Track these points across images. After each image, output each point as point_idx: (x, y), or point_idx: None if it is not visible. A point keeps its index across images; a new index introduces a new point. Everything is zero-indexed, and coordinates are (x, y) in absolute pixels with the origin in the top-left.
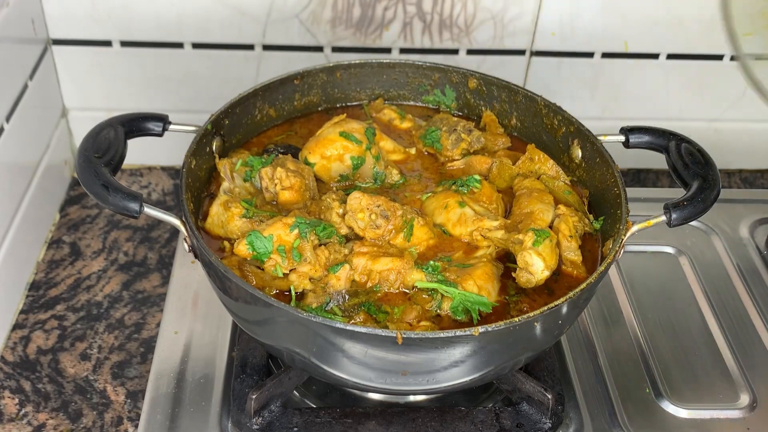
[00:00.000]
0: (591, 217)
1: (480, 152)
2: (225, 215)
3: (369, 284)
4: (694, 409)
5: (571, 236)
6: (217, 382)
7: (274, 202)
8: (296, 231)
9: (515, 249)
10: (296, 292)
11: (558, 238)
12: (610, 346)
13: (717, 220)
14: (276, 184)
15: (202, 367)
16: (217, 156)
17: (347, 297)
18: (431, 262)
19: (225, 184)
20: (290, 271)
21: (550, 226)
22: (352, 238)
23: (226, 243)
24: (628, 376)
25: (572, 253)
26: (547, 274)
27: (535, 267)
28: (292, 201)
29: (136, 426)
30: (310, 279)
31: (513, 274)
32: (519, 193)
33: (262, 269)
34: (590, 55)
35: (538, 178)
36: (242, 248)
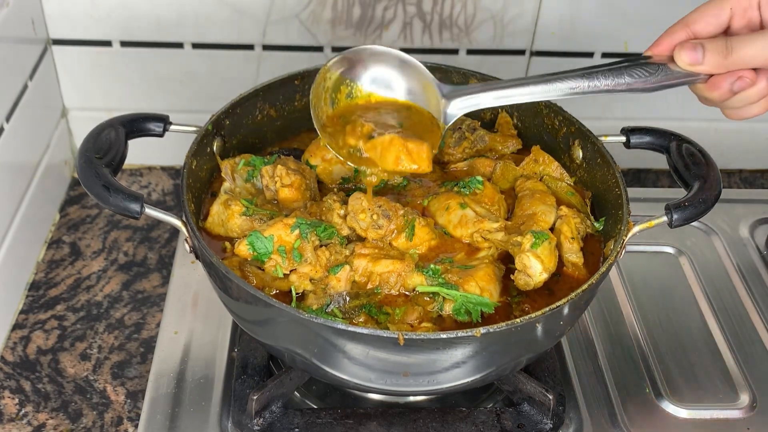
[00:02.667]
0: (592, 218)
1: (486, 153)
2: (225, 213)
3: (369, 286)
4: (694, 409)
5: (572, 238)
6: (217, 383)
7: (275, 201)
8: (297, 231)
9: (514, 251)
10: (297, 293)
11: (559, 240)
12: (610, 346)
13: (717, 220)
14: (276, 182)
15: (202, 368)
16: (218, 156)
17: (348, 299)
18: (432, 266)
19: (226, 184)
20: (291, 271)
21: (552, 228)
22: (354, 239)
23: (227, 244)
24: (628, 376)
25: (573, 254)
26: (545, 276)
27: (533, 270)
28: (291, 199)
29: (136, 426)
30: (310, 280)
31: (512, 276)
32: (521, 195)
33: (263, 270)
34: (590, 55)
35: (540, 179)
36: (243, 248)
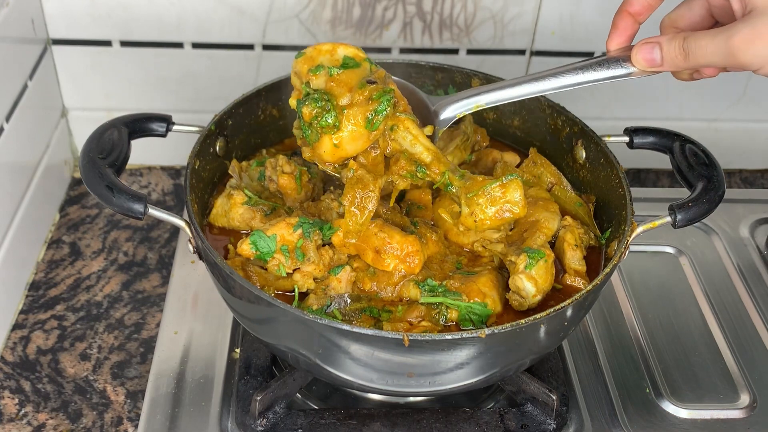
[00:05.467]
0: (598, 232)
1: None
2: (228, 204)
3: (367, 288)
4: (694, 409)
5: (576, 245)
6: (217, 383)
7: (279, 194)
8: (300, 231)
9: (510, 268)
10: (300, 292)
11: (563, 248)
12: (610, 346)
13: (717, 220)
14: (277, 170)
15: (202, 368)
16: (221, 156)
17: (349, 301)
18: (429, 281)
19: (232, 181)
20: (294, 270)
21: (556, 235)
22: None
23: (231, 246)
24: (628, 376)
25: (577, 262)
26: (539, 298)
27: (526, 291)
28: (290, 186)
29: (136, 426)
30: (314, 279)
31: (507, 296)
32: None
33: (265, 269)
34: (590, 54)
35: (549, 190)
36: (245, 248)
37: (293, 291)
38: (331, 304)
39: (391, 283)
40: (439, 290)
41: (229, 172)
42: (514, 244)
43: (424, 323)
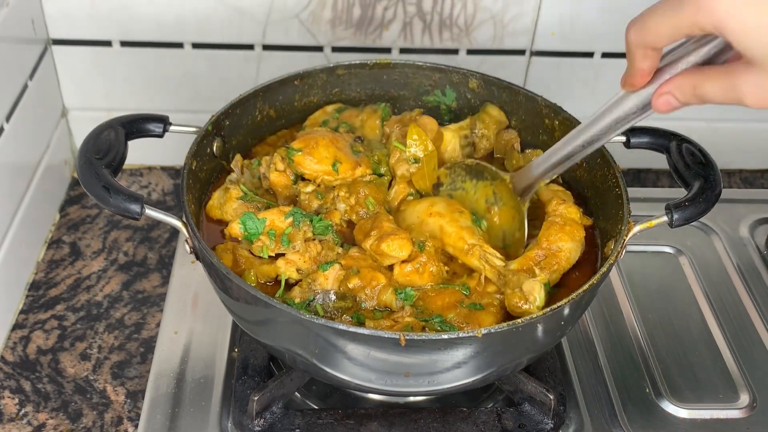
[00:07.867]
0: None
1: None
2: (224, 197)
3: (351, 285)
4: (694, 409)
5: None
6: (217, 383)
7: (273, 192)
8: (290, 219)
9: (516, 278)
10: (285, 279)
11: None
12: (610, 346)
13: (717, 220)
14: (271, 168)
15: (202, 368)
16: (217, 157)
17: (334, 298)
18: (407, 289)
19: (233, 175)
20: (278, 257)
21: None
22: (349, 242)
23: (227, 231)
24: (628, 376)
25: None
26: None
27: (538, 300)
28: (280, 184)
29: (136, 426)
30: (297, 270)
31: (507, 292)
32: (551, 219)
33: (254, 255)
34: (590, 55)
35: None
36: (234, 226)
37: (279, 282)
38: (314, 298)
39: (374, 285)
40: (435, 320)
41: (232, 165)
42: (528, 270)
43: (408, 318)
